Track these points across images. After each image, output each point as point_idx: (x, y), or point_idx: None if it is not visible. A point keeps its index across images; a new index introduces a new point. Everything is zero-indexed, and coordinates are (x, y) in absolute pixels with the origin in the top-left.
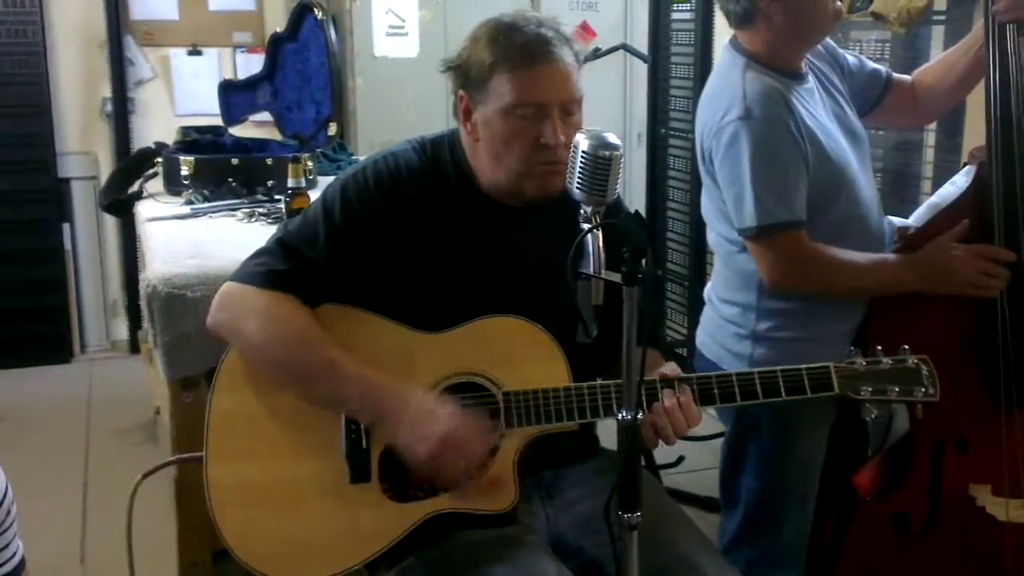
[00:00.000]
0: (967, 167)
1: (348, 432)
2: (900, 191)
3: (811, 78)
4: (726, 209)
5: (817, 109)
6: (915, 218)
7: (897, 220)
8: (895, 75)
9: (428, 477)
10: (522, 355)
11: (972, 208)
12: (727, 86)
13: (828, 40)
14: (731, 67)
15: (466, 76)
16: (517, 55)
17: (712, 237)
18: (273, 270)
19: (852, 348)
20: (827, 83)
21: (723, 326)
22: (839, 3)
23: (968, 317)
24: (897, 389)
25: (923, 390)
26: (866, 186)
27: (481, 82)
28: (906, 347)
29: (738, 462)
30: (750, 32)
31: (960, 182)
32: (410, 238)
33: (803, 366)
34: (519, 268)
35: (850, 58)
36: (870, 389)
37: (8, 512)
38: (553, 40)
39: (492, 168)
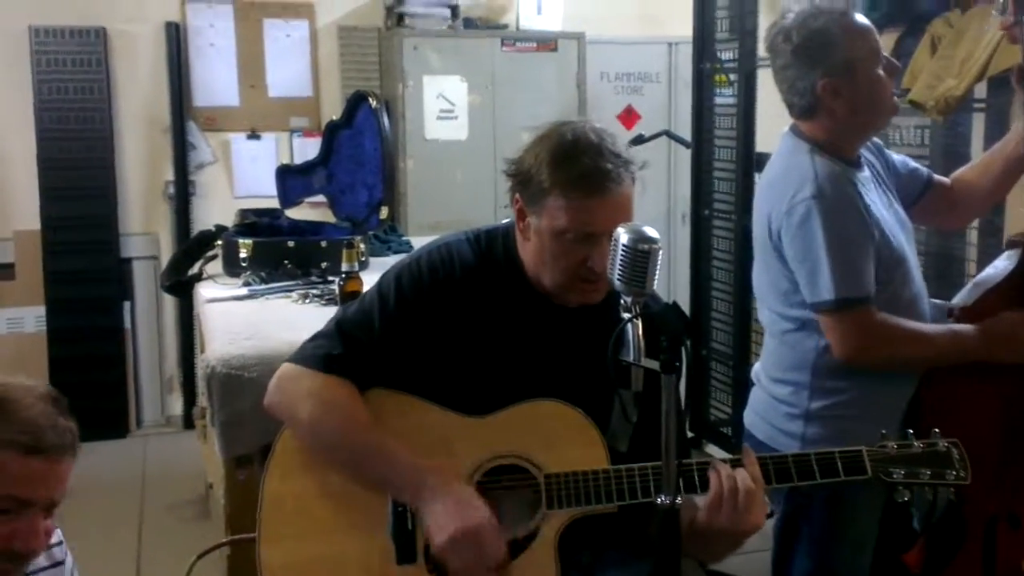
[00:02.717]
0: (1008, 251)
1: (395, 513)
2: (944, 274)
3: (866, 168)
4: (784, 287)
5: (872, 196)
6: (959, 299)
7: (939, 301)
8: (936, 176)
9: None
10: (562, 438)
11: (1018, 290)
12: (795, 168)
13: (876, 139)
14: (796, 151)
15: (523, 185)
16: (575, 184)
17: (765, 315)
18: (329, 354)
19: (884, 432)
20: (877, 176)
21: (774, 406)
22: (896, 98)
23: (1020, 392)
24: (929, 472)
25: (954, 473)
26: (916, 272)
27: (537, 197)
28: (937, 430)
29: (790, 543)
30: (812, 123)
31: (1001, 265)
32: (458, 327)
33: (836, 449)
34: (560, 358)
35: (895, 156)
36: (902, 472)
37: None
38: (612, 173)
39: (538, 270)
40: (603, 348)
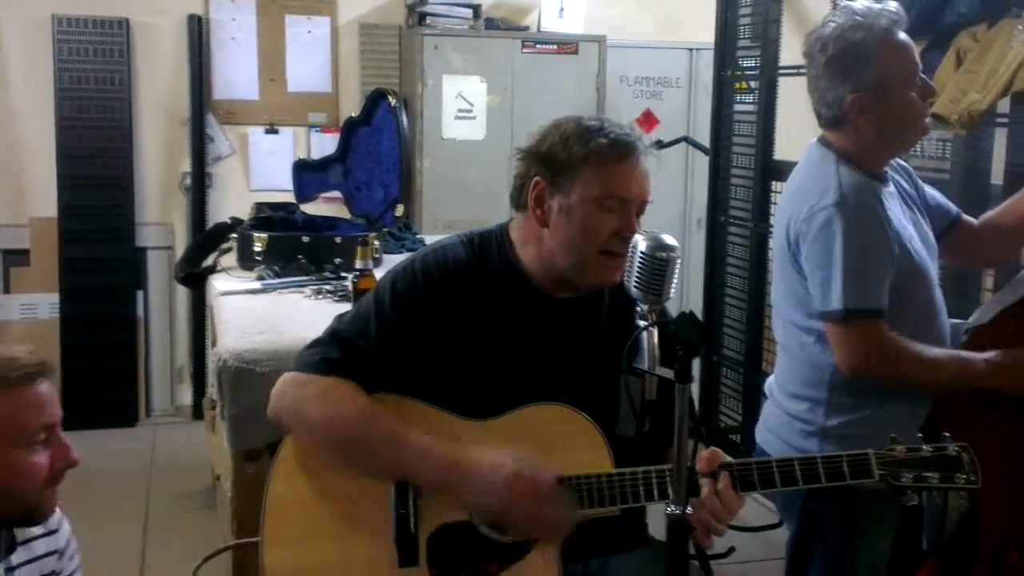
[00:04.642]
0: None
1: (398, 516)
2: (960, 290)
3: (892, 184)
4: (803, 297)
5: (896, 211)
6: (975, 317)
7: (957, 321)
8: (964, 215)
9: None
10: (566, 442)
11: None
12: (820, 176)
13: (906, 164)
14: (822, 160)
15: (549, 164)
16: (609, 150)
17: (782, 328)
18: (329, 358)
19: (893, 435)
20: (904, 194)
21: (788, 423)
22: (928, 120)
23: None
24: (938, 476)
25: (964, 477)
26: (937, 291)
27: (568, 171)
28: (947, 434)
29: (802, 563)
30: (839, 133)
31: (1020, 284)
32: (456, 329)
33: (843, 452)
34: (561, 357)
35: (927, 188)
36: (911, 476)
37: (71, 558)
38: (638, 144)
39: (557, 255)
40: (601, 337)
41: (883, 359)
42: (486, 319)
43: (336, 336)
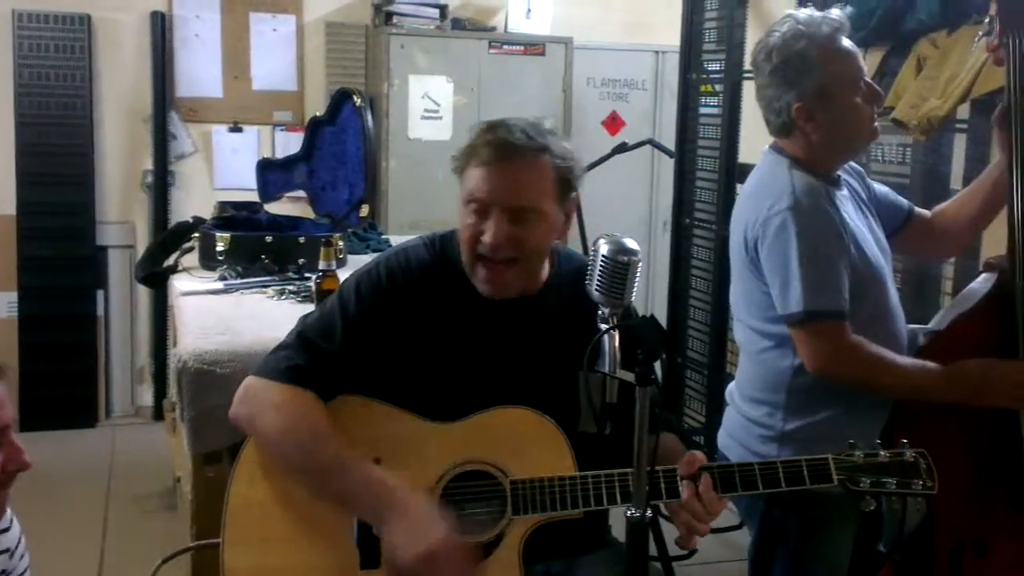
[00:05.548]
0: (984, 275)
1: (360, 519)
2: (920, 294)
3: (845, 187)
4: (761, 301)
5: (850, 212)
6: (935, 322)
7: (917, 327)
8: (917, 208)
9: None
10: (529, 444)
11: (993, 314)
12: (774, 181)
13: (858, 166)
14: (776, 165)
15: (456, 172)
16: (474, 152)
17: (741, 333)
18: (292, 365)
19: (852, 441)
20: (857, 197)
21: (748, 427)
22: (876, 125)
23: (991, 426)
24: (895, 482)
25: (921, 483)
26: (892, 293)
27: (458, 171)
28: (905, 441)
29: (765, 567)
30: (789, 140)
31: (977, 288)
32: (420, 331)
33: (803, 457)
34: (522, 358)
35: (877, 185)
36: (868, 481)
37: (21, 557)
38: (511, 147)
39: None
40: (561, 337)
41: (846, 360)
42: (449, 320)
43: (302, 338)
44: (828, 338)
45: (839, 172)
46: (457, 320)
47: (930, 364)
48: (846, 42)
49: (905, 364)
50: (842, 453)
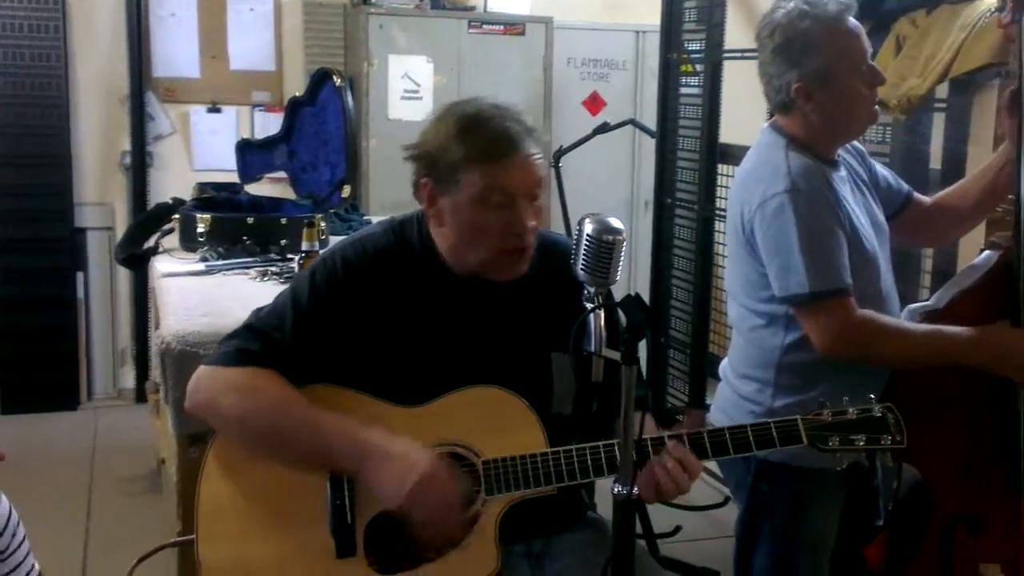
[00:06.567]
0: (986, 252)
1: (334, 507)
2: (902, 273)
3: (843, 168)
4: (755, 280)
5: (847, 194)
6: (934, 300)
7: (916, 305)
8: (916, 194)
9: (415, 533)
10: (499, 423)
11: (995, 292)
12: (770, 163)
13: (859, 146)
14: (772, 146)
15: (431, 167)
16: (486, 149)
17: (735, 311)
18: (243, 349)
19: (822, 400)
20: (856, 178)
21: (739, 403)
22: (876, 108)
23: (984, 395)
24: (863, 439)
25: (890, 438)
26: (886, 274)
27: (450, 173)
28: (872, 396)
29: (751, 541)
30: (788, 118)
31: (978, 266)
32: (380, 316)
33: (772, 420)
34: (489, 339)
35: (879, 168)
36: (837, 440)
37: (14, 535)
38: (519, 135)
39: (461, 252)
40: (529, 316)
41: (855, 336)
42: (410, 304)
43: (251, 329)
44: (836, 316)
45: (839, 152)
46: (420, 303)
47: (946, 328)
48: (852, 22)
49: (917, 331)
50: (811, 414)
